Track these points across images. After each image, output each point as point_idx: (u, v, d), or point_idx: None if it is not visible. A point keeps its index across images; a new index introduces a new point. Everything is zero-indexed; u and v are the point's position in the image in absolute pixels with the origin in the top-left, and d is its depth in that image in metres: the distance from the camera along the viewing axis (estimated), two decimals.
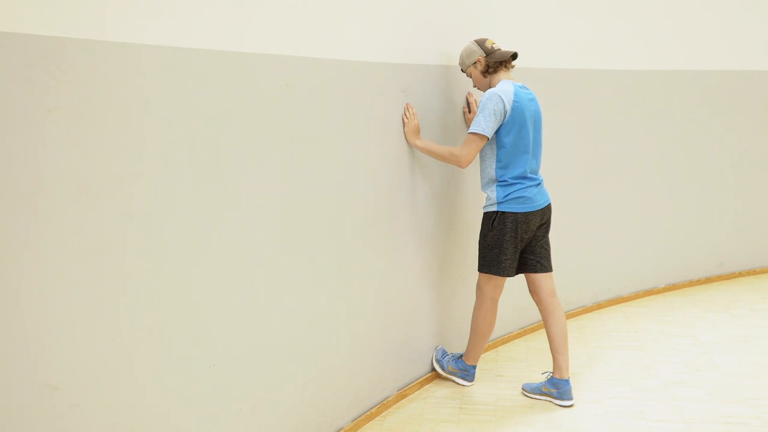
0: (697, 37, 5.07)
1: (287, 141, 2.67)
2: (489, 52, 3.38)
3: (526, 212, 3.37)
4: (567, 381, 3.44)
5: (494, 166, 3.37)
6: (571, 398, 3.42)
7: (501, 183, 3.36)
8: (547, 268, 3.51)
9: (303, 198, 2.77)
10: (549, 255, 3.54)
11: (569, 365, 3.49)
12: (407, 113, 3.34)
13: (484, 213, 3.46)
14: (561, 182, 4.42)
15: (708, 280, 5.43)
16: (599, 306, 4.86)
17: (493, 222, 3.39)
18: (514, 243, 3.39)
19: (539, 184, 3.44)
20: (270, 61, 2.55)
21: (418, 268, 3.58)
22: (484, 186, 3.45)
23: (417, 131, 3.37)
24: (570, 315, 4.66)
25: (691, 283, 5.35)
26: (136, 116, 2.10)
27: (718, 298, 5.06)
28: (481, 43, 3.41)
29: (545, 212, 3.46)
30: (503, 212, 3.36)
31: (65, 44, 1.89)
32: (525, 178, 3.37)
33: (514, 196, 3.35)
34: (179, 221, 2.26)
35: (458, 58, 3.52)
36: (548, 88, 4.30)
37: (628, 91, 4.80)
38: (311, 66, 2.74)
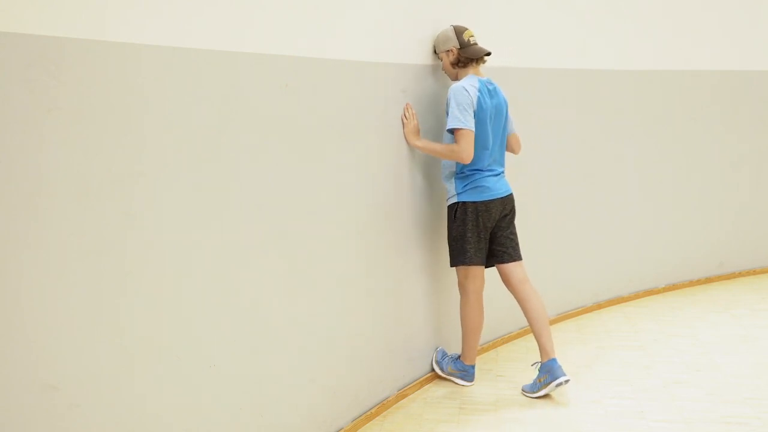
0: (698, 37, 5.07)
1: (287, 141, 2.67)
2: (464, 45, 3.41)
3: (485, 201, 3.43)
4: (554, 360, 3.46)
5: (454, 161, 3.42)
6: (564, 374, 3.43)
7: (459, 175, 3.45)
8: (514, 257, 3.57)
9: (303, 198, 2.77)
10: (516, 244, 3.59)
11: (553, 345, 3.50)
12: (407, 113, 3.35)
13: (447, 206, 3.54)
14: (561, 182, 4.42)
15: (708, 280, 5.43)
16: (599, 306, 4.86)
17: (455, 213, 3.47)
18: (477, 231, 3.44)
19: (498, 174, 3.50)
20: (270, 61, 2.55)
21: (418, 268, 3.58)
22: (445, 179, 3.54)
23: (416, 131, 3.38)
24: (570, 315, 4.66)
25: (691, 283, 5.35)
26: (136, 116, 2.10)
27: (718, 298, 5.05)
28: (459, 32, 3.42)
29: (506, 202, 3.51)
30: (464, 202, 3.44)
31: (65, 44, 1.89)
32: (483, 169, 3.44)
33: (473, 186, 3.42)
34: (179, 221, 2.26)
35: (434, 39, 3.52)
36: (548, 88, 4.31)
37: (628, 91, 4.80)
38: (311, 66, 2.74)
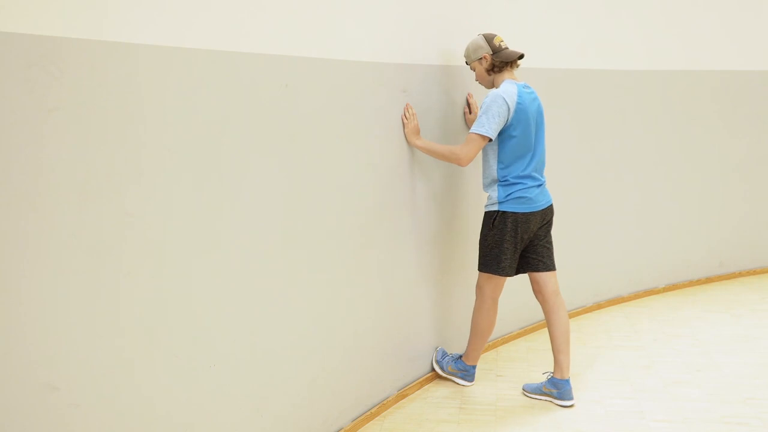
0: (698, 37, 5.07)
1: (287, 141, 2.67)
2: (496, 50, 3.37)
3: (526, 212, 3.37)
4: (567, 381, 3.43)
5: (496, 167, 3.37)
6: (571, 398, 3.42)
7: (503, 182, 3.37)
8: (549, 266, 3.51)
9: (303, 198, 2.77)
10: (551, 254, 3.54)
11: (570, 365, 3.49)
12: (407, 114, 3.34)
13: (485, 212, 3.47)
14: (561, 182, 4.42)
15: (708, 280, 5.43)
16: (599, 306, 4.86)
17: (493, 221, 3.40)
18: (514, 243, 3.39)
19: (541, 184, 3.44)
20: (270, 61, 2.55)
21: (418, 268, 3.58)
22: (486, 186, 3.45)
23: (417, 131, 3.37)
24: (570, 315, 4.66)
25: (691, 283, 5.35)
26: (136, 116, 2.10)
27: (718, 298, 5.06)
28: (489, 39, 3.38)
29: (546, 213, 3.46)
30: (504, 212, 3.37)
31: (65, 44, 1.89)
32: (527, 177, 3.37)
33: (516, 196, 3.35)
34: (179, 221, 2.26)
35: (464, 50, 3.49)
36: (548, 88, 4.30)
37: (628, 91, 4.80)
38: (311, 66, 2.74)
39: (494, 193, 3.40)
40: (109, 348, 2.08)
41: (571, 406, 3.40)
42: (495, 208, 3.40)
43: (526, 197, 3.36)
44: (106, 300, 2.06)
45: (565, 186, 4.45)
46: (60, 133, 1.91)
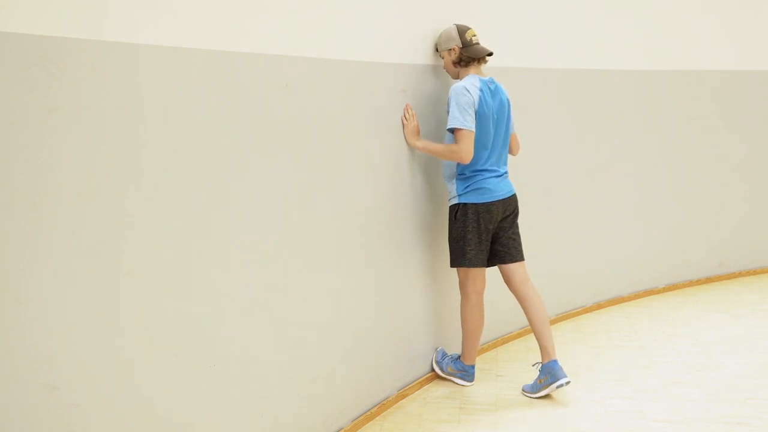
0: (698, 37, 5.07)
1: (287, 141, 2.67)
2: (466, 45, 3.41)
3: (487, 202, 3.42)
4: (555, 361, 3.45)
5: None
6: (565, 376, 3.42)
7: (461, 177, 3.44)
8: (516, 257, 3.56)
9: (302, 198, 2.77)
10: (518, 245, 3.58)
11: (554, 346, 3.50)
12: (406, 114, 3.35)
13: (449, 207, 3.53)
14: (561, 182, 4.42)
15: (708, 280, 5.43)
16: (599, 306, 4.86)
17: (456, 214, 3.46)
18: (478, 233, 3.43)
19: (501, 175, 3.49)
20: (270, 61, 2.55)
21: (418, 268, 3.58)
22: (446, 178, 3.52)
23: (416, 132, 3.38)
24: (570, 315, 4.66)
25: (691, 283, 5.35)
26: (136, 116, 2.10)
27: (718, 298, 5.05)
28: (462, 31, 3.42)
29: (508, 202, 3.50)
30: (465, 203, 3.43)
31: (65, 44, 1.89)
32: (484, 170, 3.43)
33: (474, 187, 3.41)
34: (179, 221, 2.26)
35: (437, 37, 3.51)
36: (548, 88, 4.31)
37: (628, 91, 4.80)
38: (311, 66, 2.74)
39: (453, 186, 3.47)
40: (109, 348, 2.08)
41: (567, 382, 3.40)
42: (456, 201, 3.46)
43: (484, 188, 3.41)
44: (106, 300, 2.06)
45: (565, 186, 4.45)
46: (60, 133, 1.91)
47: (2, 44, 1.76)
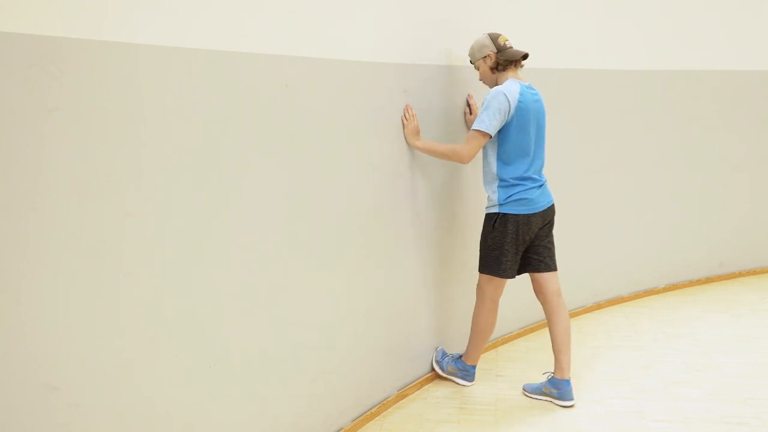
0: (698, 37, 5.07)
1: (287, 141, 2.67)
2: (500, 49, 3.36)
3: (527, 214, 3.36)
4: (568, 381, 3.43)
5: (496, 165, 3.36)
6: (571, 398, 3.42)
7: (503, 184, 3.36)
8: (551, 267, 3.51)
9: (303, 198, 2.77)
10: (553, 254, 3.53)
11: (570, 366, 3.49)
12: (407, 114, 3.34)
13: (486, 214, 3.46)
14: (561, 182, 4.42)
15: (708, 280, 5.43)
16: (599, 306, 4.86)
17: (494, 223, 3.39)
18: (515, 245, 3.38)
19: (542, 185, 3.43)
20: (270, 61, 2.55)
21: (418, 268, 3.58)
22: (487, 184, 3.44)
23: (417, 132, 3.37)
24: (570, 315, 4.65)
25: (691, 283, 5.35)
26: (136, 116, 2.10)
27: (718, 298, 5.06)
28: (494, 38, 3.38)
29: (547, 213, 3.45)
30: (505, 214, 3.36)
31: (65, 44, 1.89)
32: (527, 179, 3.36)
33: (516, 198, 3.34)
34: (179, 221, 2.26)
35: (469, 49, 3.48)
36: (548, 88, 4.30)
37: (628, 91, 4.80)
38: (311, 66, 2.74)
39: (494, 194, 3.39)
40: (109, 348, 2.08)
41: (571, 406, 3.40)
42: (495, 210, 3.39)
43: (527, 198, 3.35)
44: (106, 300, 2.06)
45: (565, 186, 4.44)
46: (60, 133, 1.91)
47: (2, 44, 1.76)
